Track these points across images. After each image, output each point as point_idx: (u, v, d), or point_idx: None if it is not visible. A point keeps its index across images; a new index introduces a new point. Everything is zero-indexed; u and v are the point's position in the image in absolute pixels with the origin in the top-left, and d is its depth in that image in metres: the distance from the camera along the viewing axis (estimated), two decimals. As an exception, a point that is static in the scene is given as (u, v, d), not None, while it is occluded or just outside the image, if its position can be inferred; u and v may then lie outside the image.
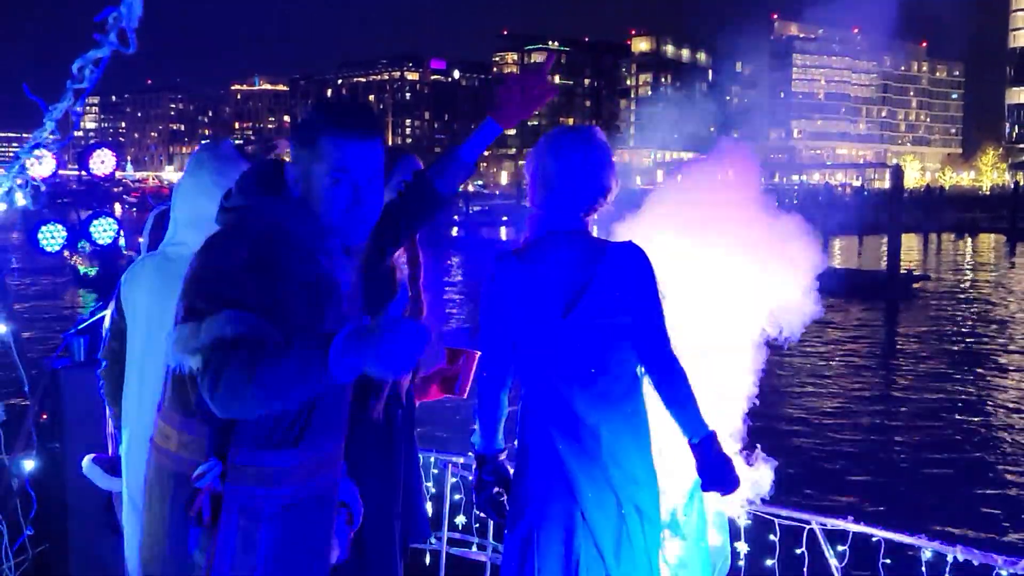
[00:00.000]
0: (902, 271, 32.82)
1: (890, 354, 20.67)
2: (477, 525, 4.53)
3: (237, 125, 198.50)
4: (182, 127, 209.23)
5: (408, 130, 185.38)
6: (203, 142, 3.48)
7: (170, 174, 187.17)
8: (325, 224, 2.29)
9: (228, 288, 2.10)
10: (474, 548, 4.61)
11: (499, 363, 3.15)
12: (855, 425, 13.71)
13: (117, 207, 42.29)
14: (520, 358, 3.11)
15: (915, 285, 32.32)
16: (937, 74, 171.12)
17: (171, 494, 2.25)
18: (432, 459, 4.59)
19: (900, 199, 38.80)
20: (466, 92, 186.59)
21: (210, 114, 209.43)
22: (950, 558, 3.46)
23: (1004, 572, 3.32)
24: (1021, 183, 79.57)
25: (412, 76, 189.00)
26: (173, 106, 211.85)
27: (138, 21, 1.41)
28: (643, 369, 3.11)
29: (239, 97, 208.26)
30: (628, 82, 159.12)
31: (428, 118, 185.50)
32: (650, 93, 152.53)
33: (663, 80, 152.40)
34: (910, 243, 35.69)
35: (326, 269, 2.31)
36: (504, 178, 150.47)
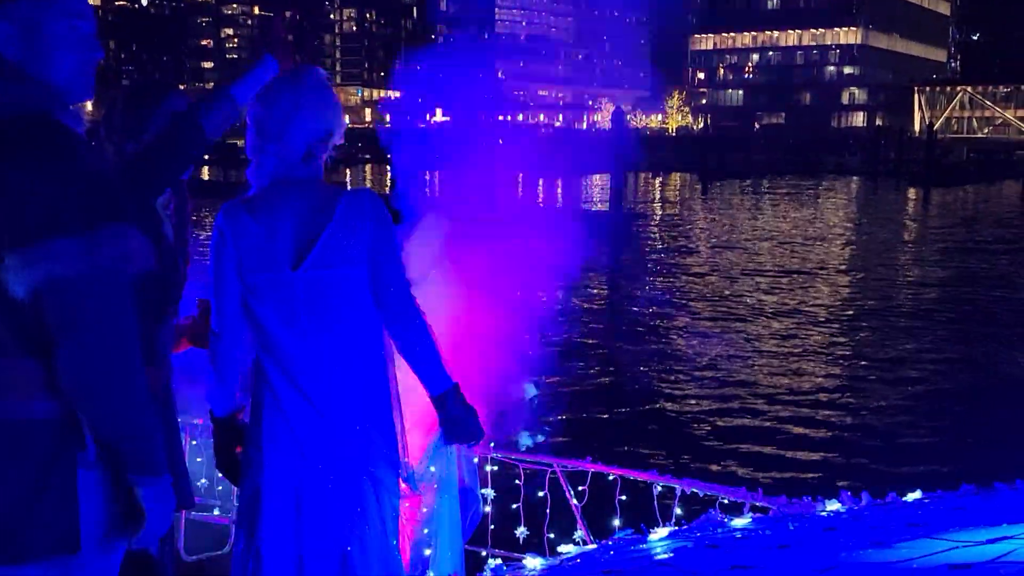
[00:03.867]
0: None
1: (618, 299, 21.46)
2: (220, 488, 4.36)
3: None
4: None
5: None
6: None
7: None
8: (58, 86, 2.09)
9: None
10: (216, 512, 4.45)
11: (230, 320, 2.98)
12: (587, 367, 14.27)
13: None
14: (252, 313, 2.95)
15: (635, 224, 34.47)
16: (625, 20, 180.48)
17: None
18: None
19: (624, 140, 40.76)
20: (155, 21, 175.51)
21: None
22: (679, 491, 3.73)
23: (726, 500, 3.62)
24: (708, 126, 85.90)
25: (94, 1, 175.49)
26: None
27: None
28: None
29: None
30: (332, 16, 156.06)
31: (113, 48, 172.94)
32: (355, 29, 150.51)
33: (368, 16, 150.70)
34: (608, 182, 37.64)
35: None
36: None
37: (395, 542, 3.06)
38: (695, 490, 3.70)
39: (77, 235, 1.97)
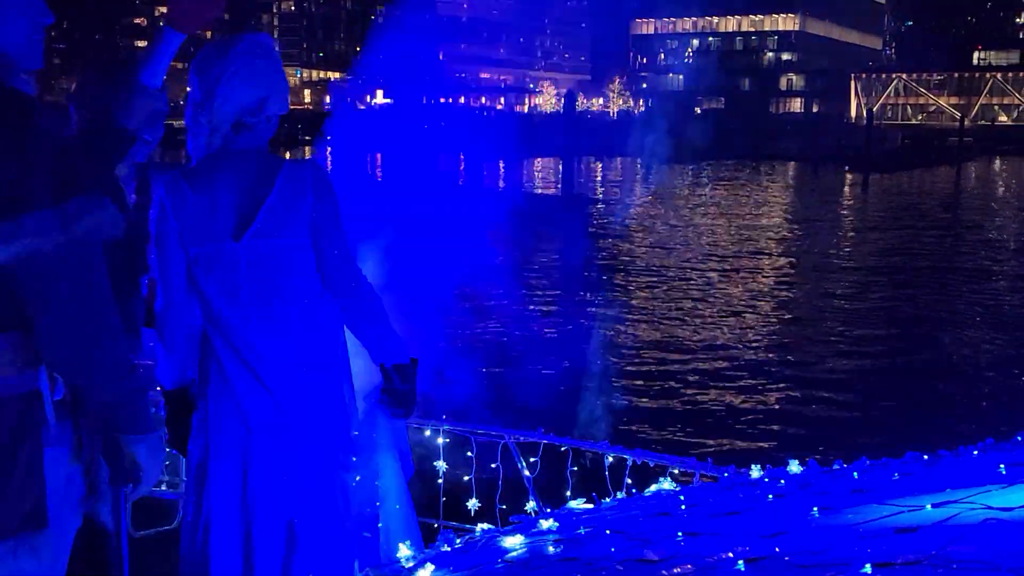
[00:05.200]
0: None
1: (568, 278, 21.27)
2: (167, 463, 4.29)
3: None
4: None
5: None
6: None
7: None
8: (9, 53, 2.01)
9: None
10: (164, 487, 4.38)
11: (175, 293, 2.93)
12: (537, 339, 14.23)
13: None
14: (197, 285, 2.91)
15: (589, 208, 34.66)
16: (567, 3, 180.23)
17: None
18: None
19: (575, 125, 40.65)
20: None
21: None
22: (630, 462, 3.76)
23: (676, 471, 3.66)
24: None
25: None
26: None
27: None
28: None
29: None
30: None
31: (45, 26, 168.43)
32: (293, 8, 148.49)
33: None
34: (553, 165, 37.75)
35: None
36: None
37: (345, 513, 3.04)
38: (646, 461, 3.74)
39: (51, 207, 1.92)
